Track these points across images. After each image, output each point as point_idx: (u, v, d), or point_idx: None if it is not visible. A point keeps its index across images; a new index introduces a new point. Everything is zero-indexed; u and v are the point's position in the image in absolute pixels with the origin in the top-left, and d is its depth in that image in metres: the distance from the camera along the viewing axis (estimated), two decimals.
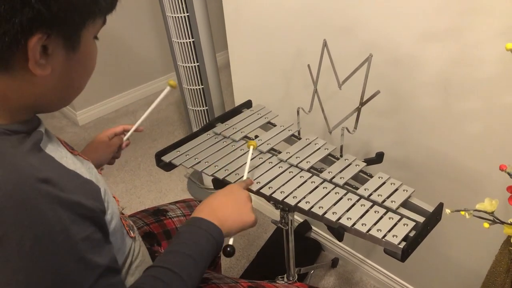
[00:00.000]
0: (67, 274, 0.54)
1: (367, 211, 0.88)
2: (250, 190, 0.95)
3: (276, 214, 1.74)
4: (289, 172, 0.99)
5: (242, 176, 0.96)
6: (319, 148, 1.06)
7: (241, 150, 1.07)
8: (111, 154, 1.06)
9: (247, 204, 0.82)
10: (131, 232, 0.79)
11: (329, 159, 1.05)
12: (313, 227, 1.72)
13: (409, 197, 0.91)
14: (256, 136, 1.12)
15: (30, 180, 0.52)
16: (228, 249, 0.77)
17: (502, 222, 0.83)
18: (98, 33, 0.62)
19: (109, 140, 1.06)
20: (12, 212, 0.50)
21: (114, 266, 0.62)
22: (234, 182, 0.97)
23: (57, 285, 0.53)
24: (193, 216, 0.77)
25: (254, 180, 0.97)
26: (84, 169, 0.64)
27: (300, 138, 1.12)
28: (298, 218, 1.75)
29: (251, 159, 1.00)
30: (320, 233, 1.71)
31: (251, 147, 1.00)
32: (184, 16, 1.57)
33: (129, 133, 1.09)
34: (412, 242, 0.80)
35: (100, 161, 1.03)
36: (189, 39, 1.62)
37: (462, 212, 0.84)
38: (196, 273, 0.70)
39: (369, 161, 1.02)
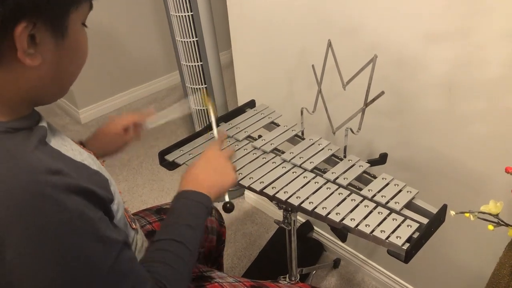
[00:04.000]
0: (91, 254, 0.56)
1: (370, 212, 0.88)
2: (253, 190, 0.95)
3: (278, 214, 1.74)
4: (293, 173, 0.99)
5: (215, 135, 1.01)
6: (322, 149, 1.06)
7: (244, 149, 1.07)
8: (122, 148, 0.99)
9: (227, 165, 0.87)
10: (133, 224, 0.80)
11: (332, 160, 1.04)
12: (315, 228, 1.72)
13: (413, 198, 0.90)
14: (260, 136, 1.11)
15: (42, 173, 0.53)
16: (228, 205, 0.84)
17: (507, 225, 0.82)
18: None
19: (124, 132, 0.98)
20: (30, 205, 0.51)
21: (129, 242, 0.64)
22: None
23: (82, 266, 0.55)
24: (182, 190, 0.80)
25: (257, 180, 0.97)
26: (90, 159, 0.65)
27: (303, 138, 1.11)
28: (300, 218, 1.75)
29: (251, 160, 0.99)
30: (322, 233, 1.70)
31: (210, 106, 1.04)
32: (188, 15, 1.57)
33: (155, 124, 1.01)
34: (415, 244, 0.80)
35: (107, 152, 0.97)
36: (193, 38, 1.62)
37: (467, 214, 0.84)
38: (196, 240, 0.75)
39: (373, 162, 1.02)
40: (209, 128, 1.14)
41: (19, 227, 0.51)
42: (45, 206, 0.52)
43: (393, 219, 0.85)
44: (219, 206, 1.01)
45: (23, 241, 0.51)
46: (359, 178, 0.99)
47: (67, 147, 0.63)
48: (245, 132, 1.13)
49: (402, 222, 0.85)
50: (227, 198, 0.86)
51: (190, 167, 0.86)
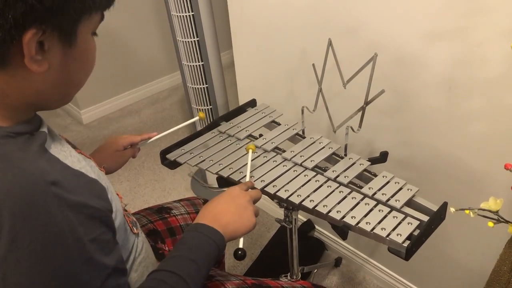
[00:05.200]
0: (76, 275, 0.55)
1: (371, 210, 0.88)
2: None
3: (279, 212, 1.74)
4: (293, 171, 1.00)
5: (245, 176, 0.95)
6: (323, 147, 1.06)
7: (245, 149, 1.07)
8: (122, 165, 1.02)
9: (248, 208, 0.81)
10: (134, 229, 0.79)
11: (333, 158, 1.05)
12: (316, 227, 1.72)
13: (413, 196, 0.91)
14: (261, 135, 1.12)
15: (39, 183, 0.52)
16: (240, 252, 0.78)
17: (507, 221, 0.83)
18: (98, 29, 0.62)
19: (123, 150, 1.02)
20: (23, 215, 0.51)
21: (121, 267, 0.63)
22: (237, 180, 0.97)
23: (65, 286, 0.54)
24: (197, 222, 0.77)
25: (258, 178, 0.97)
26: (88, 167, 0.64)
27: (304, 137, 1.12)
28: (301, 217, 1.75)
29: (252, 159, 0.99)
30: (323, 232, 1.71)
31: (250, 151, 0.99)
32: (189, 15, 1.57)
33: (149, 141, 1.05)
34: (416, 241, 0.80)
35: (109, 170, 0.99)
36: (194, 38, 1.62)
37: (467, 211, 0.84)
38: (199, 278, 0.71)
39: (374, 160, 1.02)
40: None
41: (8, 233, 0.50)
42: (38, 217, 0.51)
43: (394, 217, 0.86)
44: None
45: (9, 247, 0.51)
46: (359, 176, 0.99)
47: (66, 153, 0.62)
48: (246, 131, 1.13)
49: (403, 219, 0.85)
50: (241, 244, 0.79)
51: (212, 200, 0.83)
